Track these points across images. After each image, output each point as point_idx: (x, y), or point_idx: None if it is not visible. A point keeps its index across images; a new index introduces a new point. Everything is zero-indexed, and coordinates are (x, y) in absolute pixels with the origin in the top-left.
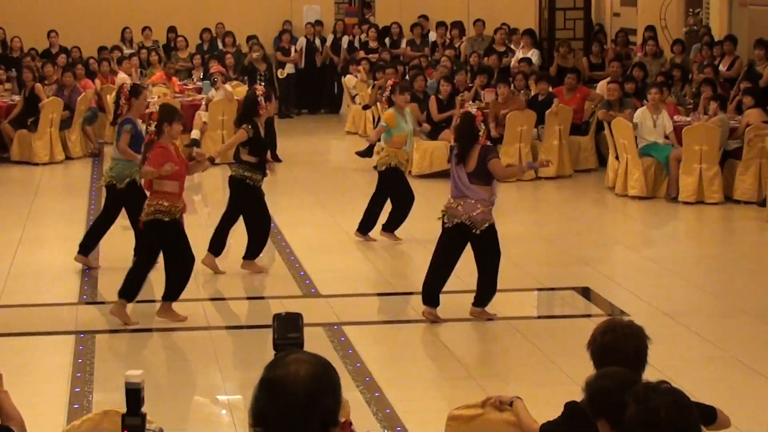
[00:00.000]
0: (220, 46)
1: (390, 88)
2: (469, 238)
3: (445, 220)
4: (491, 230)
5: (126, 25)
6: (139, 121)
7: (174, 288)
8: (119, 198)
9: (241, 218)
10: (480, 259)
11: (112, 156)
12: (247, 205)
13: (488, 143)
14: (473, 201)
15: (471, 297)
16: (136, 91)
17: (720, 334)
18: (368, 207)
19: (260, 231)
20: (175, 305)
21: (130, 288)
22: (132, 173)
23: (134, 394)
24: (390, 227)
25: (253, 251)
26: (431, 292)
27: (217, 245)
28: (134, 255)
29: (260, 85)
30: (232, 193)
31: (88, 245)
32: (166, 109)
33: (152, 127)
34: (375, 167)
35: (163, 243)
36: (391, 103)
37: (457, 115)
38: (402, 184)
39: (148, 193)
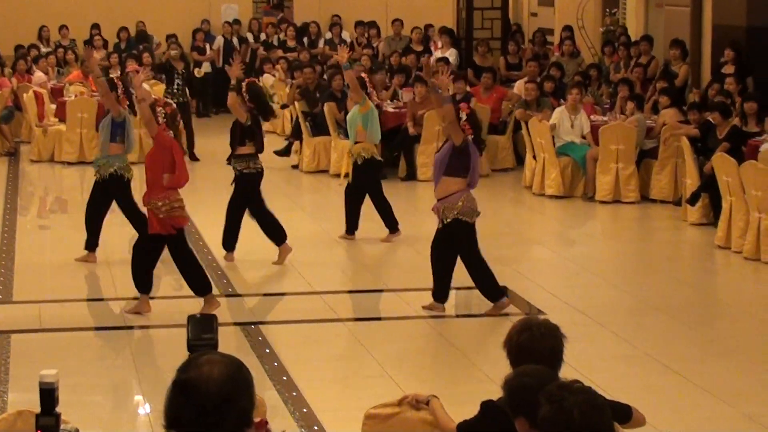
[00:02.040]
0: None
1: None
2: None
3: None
4: (457, 223)
5: (43, 24)
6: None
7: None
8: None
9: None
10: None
11: (101, 149)
12: (259, 193)
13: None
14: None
15: (389, 296)
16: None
17: (636, 332)
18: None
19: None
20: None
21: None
22: (112, 166)
23: (48, 394)
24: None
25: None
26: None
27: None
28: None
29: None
30: (249, 189)
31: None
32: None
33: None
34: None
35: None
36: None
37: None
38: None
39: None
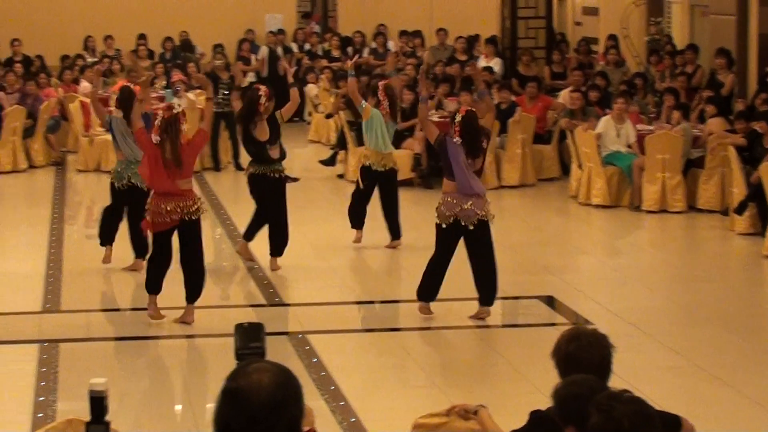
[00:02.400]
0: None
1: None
2: (487, 231)
3: (465, 224)
4: (483, 225)
5: (89, 34)
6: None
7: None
8: (120, 196)
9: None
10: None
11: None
12: (284, 199)
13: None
14: (479, 197)
15: (435, 306)
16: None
17: (683, 342)
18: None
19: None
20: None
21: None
22: (126, 172)
23: (98, 402)
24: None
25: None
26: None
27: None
28: (135, 255)
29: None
30: (271, 193)
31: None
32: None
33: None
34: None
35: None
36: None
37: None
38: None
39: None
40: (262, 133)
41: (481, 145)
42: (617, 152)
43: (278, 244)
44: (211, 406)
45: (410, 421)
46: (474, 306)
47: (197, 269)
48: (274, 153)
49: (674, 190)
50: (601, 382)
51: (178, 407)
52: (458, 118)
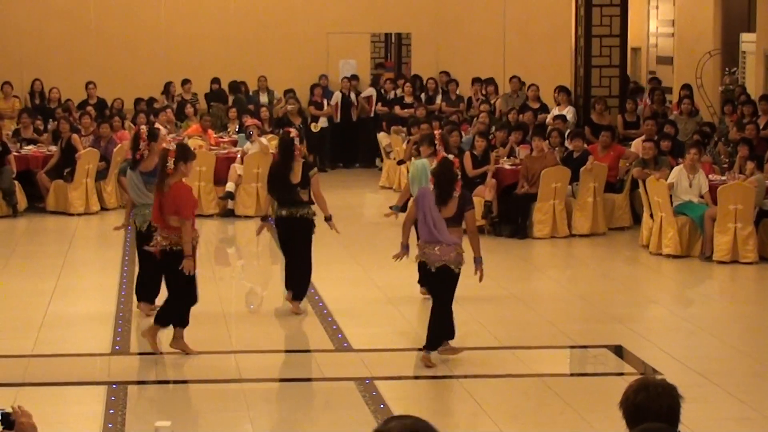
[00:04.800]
0: (264, 98)
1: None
2: (448, 278)
3: (429, 266)
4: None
5: (166, 78)
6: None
7: (167, 313)
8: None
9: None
10: (441, 298)
11: (135, 201)
12: (310, 240)
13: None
14: (447, 245)
15: (504, 353)
16: (153, 134)
17: (754, 394)
18: None
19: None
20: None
21: (169, 315)
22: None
23: None
24: None
25: (305, 286)
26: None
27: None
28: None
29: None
30: (298, 234)
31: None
32: (183, 148)
33: (170, 164)
34: None
35: (175, 271)
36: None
37: (492, 170)
38: None
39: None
40: (295, 175)
41: (450, 193)
42: (689, 202)
43: (303, 287)
44: None
45: None
46: (543, 353)
47: (171, 297)
48: (305, 196)
49: (746, 240)
50: (672, 431)
51: None
52: (434, 164)
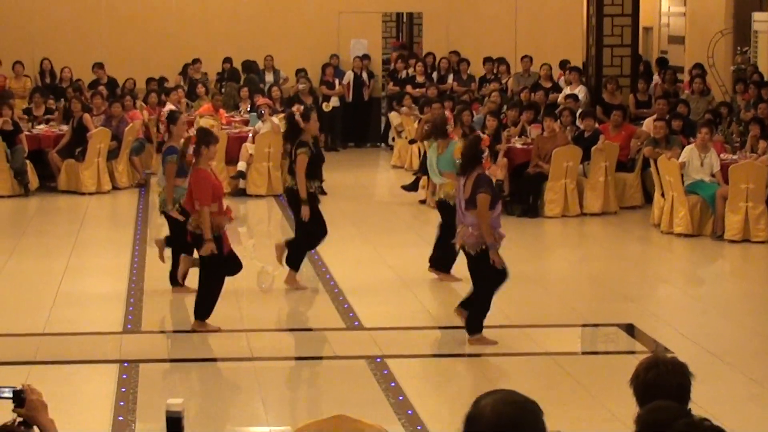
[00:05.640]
0: (269, 78)
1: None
2: (469, 261)
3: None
4: (485, 255)
5: (175, 57)
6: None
7: (203, 306)
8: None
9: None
10: (474, 283)
11: (158, 183)
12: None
13: (487, 171)
14: (467, 226)
15: (515, 332)
16: (173, 117)
17: (764, 372)
18: (441, 243)
19: (312, 236)
20: (218, 325)
21: (204, 307)
22: (180, 198)
23: (175, 423)
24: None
25: (296, 257)
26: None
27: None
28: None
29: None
30: (293, 205)
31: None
32: (203, 132)
33: (191, 150)
34: (442, 201)
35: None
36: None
37: (503, 150)
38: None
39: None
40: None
41: (468, 170)
42: (700, 181)
43: (292, 257)
44: (288, 428)
45: None
46: (554, 332)
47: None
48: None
49: (757, 219)
50: (684, 409)
51: (255, 428)
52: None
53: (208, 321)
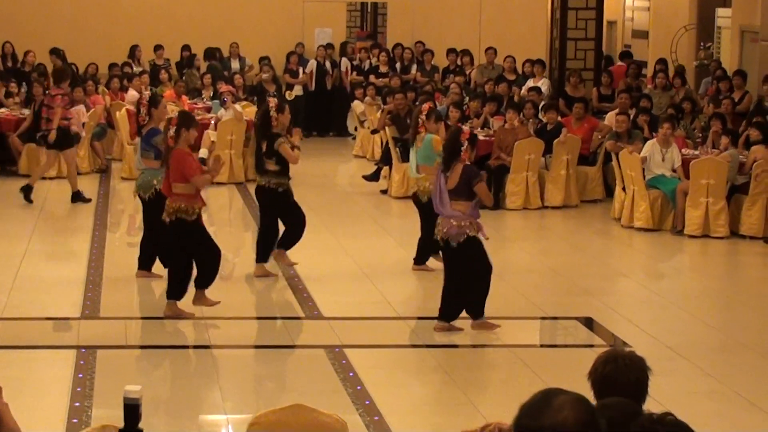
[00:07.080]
0: (235, 65)
1: (426, 112)
2: (447, 253)
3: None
4: (469, 243)
5: (136, 43)
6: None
7: (205, 277)
8: (148, 207)
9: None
10: (450, 272)
11: (137, 166)
12: (283, 209)
13: (469, 162)
14: (448, 217)
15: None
16: (155, 100)
17: (722, 368)
18: (422, 238)
19: (299, 224)
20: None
21: (176, 287)
22: (158, 182)
23: (132, 410)
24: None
25: (290, 240)
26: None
27: (263, 253)
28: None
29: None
30: (264, 203)
31: (145, 260)
32: (184, 116)
33: (171, 132)
34: (416, 196)
35: (189, 241)
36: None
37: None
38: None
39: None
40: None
41: (450, 163)
42: (661, 176)
43: (260, 250)
44: (246, 416)
45: None
46: (513, 325)
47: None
48: (271, 165)
49: (717, 215)
50: (636, 406)
51: (212, 416)
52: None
53: (182, 307)
